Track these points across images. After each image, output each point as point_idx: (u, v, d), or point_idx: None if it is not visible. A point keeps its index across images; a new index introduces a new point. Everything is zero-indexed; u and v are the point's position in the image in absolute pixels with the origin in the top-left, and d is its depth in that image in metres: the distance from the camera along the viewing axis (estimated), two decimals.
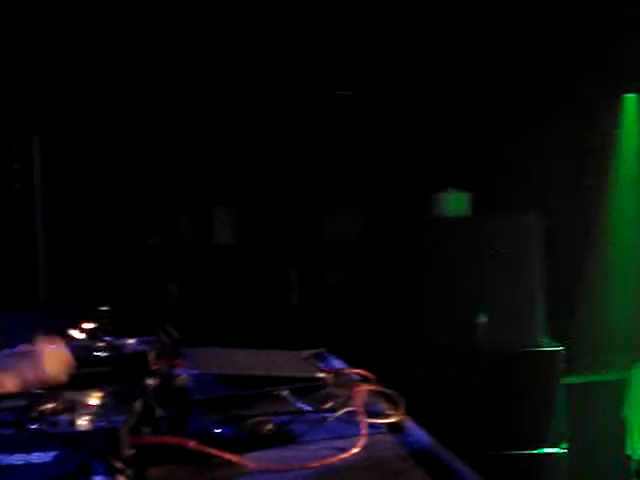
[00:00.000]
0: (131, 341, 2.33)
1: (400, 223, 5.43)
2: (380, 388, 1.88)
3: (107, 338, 2.36)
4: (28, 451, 1.24)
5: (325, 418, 1.61)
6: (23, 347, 2.28)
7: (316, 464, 1.40)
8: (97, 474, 1.23)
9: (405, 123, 5.37)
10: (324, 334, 2.60)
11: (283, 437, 1.54)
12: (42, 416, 1.33)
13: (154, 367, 2.14)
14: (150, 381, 1.93)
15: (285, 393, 1.72)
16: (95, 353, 2.19)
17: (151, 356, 2.16)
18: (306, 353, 2.52)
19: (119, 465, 1.17)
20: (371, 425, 1.59)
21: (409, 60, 5.20)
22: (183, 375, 2.15)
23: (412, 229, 5.32)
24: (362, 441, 1.51)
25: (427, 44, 5.09)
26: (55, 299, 3.05)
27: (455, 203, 5.31)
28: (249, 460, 1.40)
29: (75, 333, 2.29)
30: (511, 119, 5.28)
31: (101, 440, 1.23)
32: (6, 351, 2.31)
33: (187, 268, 5.78)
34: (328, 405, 1.67)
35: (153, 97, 4.84)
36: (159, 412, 1.58)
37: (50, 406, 1.37)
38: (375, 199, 5.54)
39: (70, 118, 4.34)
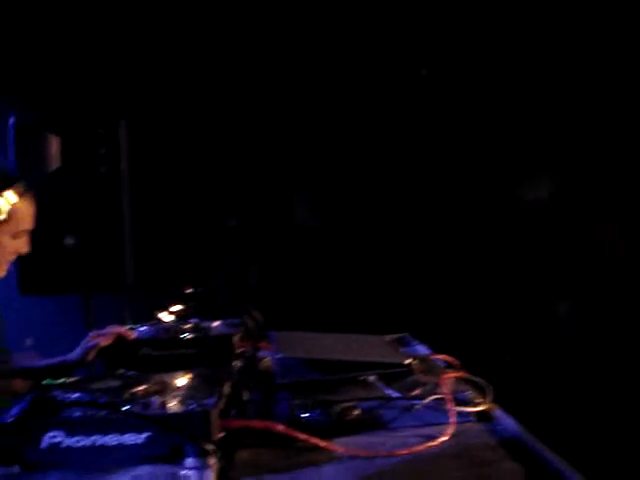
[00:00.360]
0: (216, 323, 2.37)
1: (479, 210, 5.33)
2: (467, 375, 1.85)
3: (193, 320, 2.40)
4: (122, 432, 1.26)
5: (413, 405, 1.59)
6: (110, 328, 2.34)
7: (404, 451, 1.39)
8: (188, 456, 1.24)
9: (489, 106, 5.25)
10: (405, 318, 2.58)
11: (371, 423, 1.53)
12: (134, 398, 1.36)
13: (239, 350, 2.16)
14: (235, 363, 1.96)
15: (372, 379, 1.71)
16: (181, 335, 2.23)
17: (236, 339, 2.19)
18: (389, 337, 2.52)
19: (211, 448, 1.17)
20: (459, 413, 1.56)
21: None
22: (268, 358, 2.17)
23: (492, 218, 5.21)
24: (450, 429, 1.49)
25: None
26: (141, 282, 3.10)
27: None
28: (337, 445, 1.40)
29: (164, 315, 2.33)
30: None
31: (192, 423, 1.24)
32: (93, 332, 2.38)
33: (267, 250, 5.81)
34: (416, 392, 1.65)
35: (237, 80, 4.86)
36: (246, 396, 1.59)
37: (142, 388, 1.39)
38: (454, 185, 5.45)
39: (155, 102, 4.40)
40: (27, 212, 2.18)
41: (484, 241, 5.17)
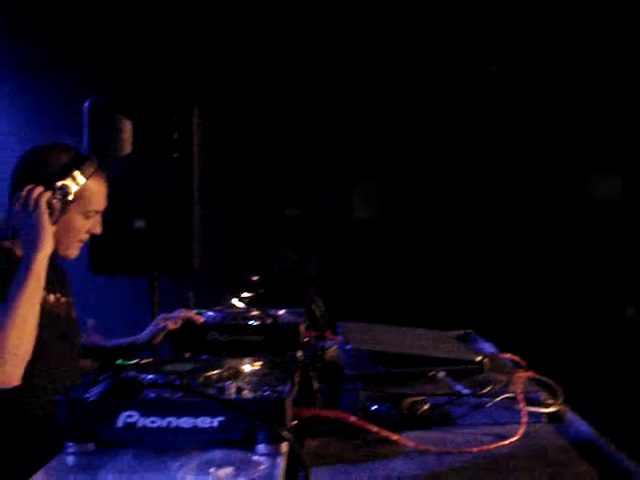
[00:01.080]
0: (281, 312, 2.38)
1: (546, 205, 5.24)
2: (537, 375, 1.83)
3: (259, 307, 2.41)
4: (196, 415, 1.27)
5: (483, 403, 1.58)
6: (178, 312, 2.37)
7: (475, 449, 1.38)
8: (260, 442, 1.25)
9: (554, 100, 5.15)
10: (468, 314, 2.56)
11: (440, 419, 1.52)
12: (209, 382, 1.37)
13: (304, 338, 2.17)
14: (300, 352, 1.96)
15: (441, 375, 1.70)
16: (248, 322, 2.25)
17: (302, 327, 2.20)
18: (453, 333, 2.50)
19: (286, 434, 1.18)
20: (531, 413, 1.54)
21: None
22: (334, 348, 2.17)
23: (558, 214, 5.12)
24: (522, 429, 1.47)
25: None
26: (206, 267, 3.14)
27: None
28: (406, 439, 1.39)
29: (235, 301, 2.35)
30: None
31: (266, 409, 1.25)
32: (161, 315, 2.41)
33: (327, 240, 5.81)
34: (486, 390, 1.63)
35: (302, 71, 4.87)
36: (316, 385, 1.59)
37: (215, 372, 1.40)
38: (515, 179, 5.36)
39: (226, 89, 4.44)
40: (97, 192, 2.19)
41: (551, 239, 5.09)
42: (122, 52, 4.34)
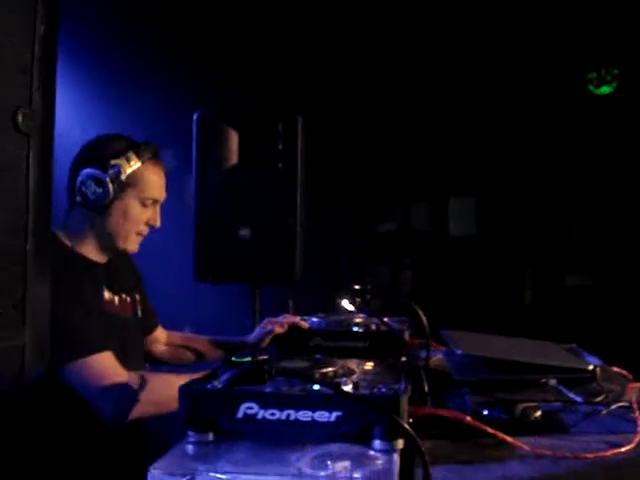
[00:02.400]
0: (385, 319, 2.39)
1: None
2: None
3: (362, 315, 2.44)
4: (314, 409, 1.29)
5: (596, 411, 1.55)
6: (284, 317, 2.42)
7: (591, 455, 1.36)
8: (377, 438, 1.26)
9: None
10: (556, 335, 2.51)
11: (553, 425, 1.51)
12: (324, 378, 1.39)
13: (408, 346, 2.18)
14: (405, 359, 1.97)
15: (553, 382, 1.68)
16: (351, 328, 2.27)
17: (406, 335, 2.21)
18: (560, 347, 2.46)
19: (406, 428, 1.19)
20: None
21: None
22: (439, 357, 2.17)
23: None
24: (638, 438, 1.44)
25: None
26: (306, 276, 3.19)
27: None
28: (521, 443, 1.39)
29: (346, 304, 2.38)
30: None
31: (383, 406, 1.27)
32: (267, 319, 2.46)
33: (420, 257, 5.80)
34: (600, 398, 1.61)
35: (402, 87, 4.90)
36: (426, 388, 1.60)
37: (331, 369, 1.43)
38: (622, 199, 5.24)
39: (328, 99, 4.51)
40: (154, 179, 2.19)
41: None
42: (228, 63, 4.46)
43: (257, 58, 4.52)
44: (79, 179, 2.10)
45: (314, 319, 2.40)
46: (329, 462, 1.22)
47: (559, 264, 5.36)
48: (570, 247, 5.32)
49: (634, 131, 4.95)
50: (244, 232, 3.06)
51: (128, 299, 2.30)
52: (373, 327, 2.28)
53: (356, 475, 1.15)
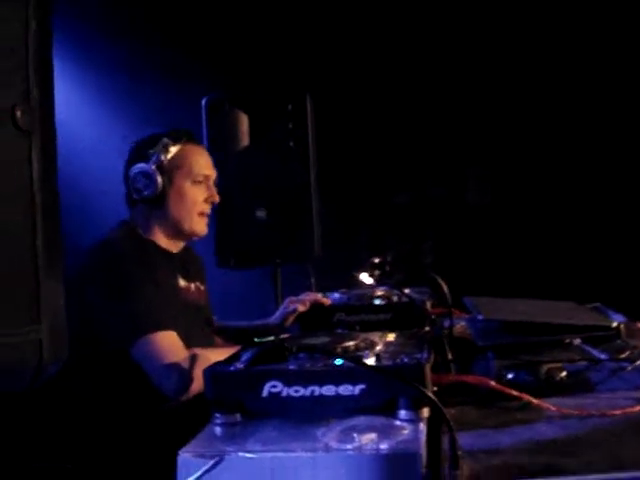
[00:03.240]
0: (407, 290, 2.40)
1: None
2: None
3: (383, 287, 2.44)
4: (337, 384, 1.30)
5: (622, 368, 1.55)
6: (305, 295, 2.43)
7: (618, 412, 1.36)
8: (402, 408, 1.27)
9: None
10: (581, 295, 2.49)
11: (578, 385, 1.50)
12: (347, 352, 1.40)
13: (431, 315, 2.18)
14: (429, 328, 1.97)
15: (577, 342, 1.68)
16: (373, 301, 2.28)
17: (429, 304, 2.21)
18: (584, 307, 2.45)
19: (431, 395, 1.20)
20: None
21: None
22: (462, 324, 2.17)
23: None
24: None
25: None
26: (325, 253, 3.19)
27: None
28: (547, 404, 1.38)
29: (364, 277, 2.38)
30: None
31: (407, 375, 1.27)
32: (288, 299, 2.47)
33: (438, 228, 5.77)
34: (625, 355, 1.60)
35: (414, 55, 4.85)
36: (450, 356, 1.60)
37: (352, 343, 1.43)
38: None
39: (338, 78, 4.49)
40: (198, 157, 2.26)
41: None
42: (234, 47, 4.44)
43: (263, 39, 4.50)
44: (130, 179, 2.19)
45: (336, 295, 2.42)
46: (355, 435, 1.23)
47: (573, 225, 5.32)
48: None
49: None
50: (261, 214, 3.08)
51: (202, 287, 2.36)
52: (395, 299, 2.29)
53: (383, 446, 1.16)
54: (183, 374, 1.91)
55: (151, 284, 2.07)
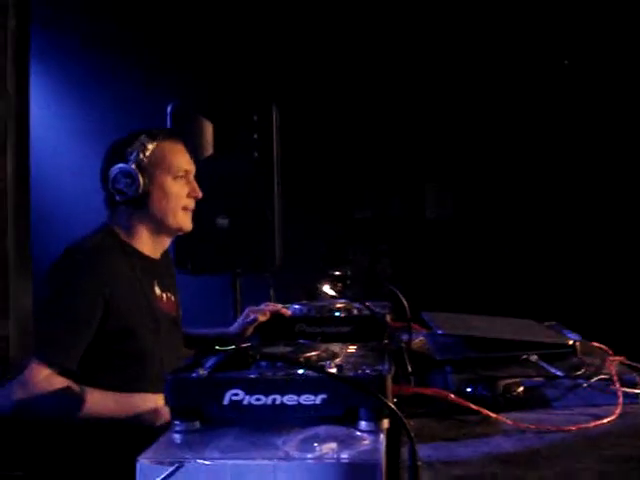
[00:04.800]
0: (368, 303, 2.40)
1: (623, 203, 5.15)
2: (628, 361, 1.82)
3: (343, 300, 2.45)
4: (299, 393, 1.30)
5: (578, 384, 1.58)
6: (265, 305, 2.43)
7: (573, 428, 1.38)
8: (362, 419, 1.28)
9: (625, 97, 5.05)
10: (537, 314, 2.54)
11: (534, 400, 1.53)
12: (309, 362, 1.40)
13: (391, 329, 2.20)
14: (387, 342, 1.98)
15: (534, 358, 1.70)
16: (336, 314, 2.29)
17: (388, 318, 2.23)
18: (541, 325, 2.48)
19: (392, 406, 1.20)
20: (626, 394, 1.54)
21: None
22: (421, 339, 2.19)
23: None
24: (618, 409, 1.46)
25: None
26: (286, 264, 3.20)
27: None
28: (505, 418, 1.40)
29: (327, 288, 2.39)
30: None
31: (367, 387, 1.28)
32: (248, 309, 2.47)
33: (398, 242, 5.81)
34: (580, 372, 1.63)
35: (377, 75, 4.90)
36: (410, 368, 1.62)
37: (314, 354, 1.44)
38: (599, 174, 5.27)
39: (302, 91, 4.51)
40: (177, 153, 2.24)
41: (624, 231, 5.00)
42: (201, 55, 4.44)
43: (231, 49, 4.51)
44: (110, 180, 2.15)
45: (296, 306, 2.41)
46: (316, 444, 1.23)
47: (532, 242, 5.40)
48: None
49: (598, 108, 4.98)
50: (222, 221, 3.07)
51: (172, 298, 2.33)
52: (355, 312, 2.29)
53: (343, 456, 1.17)
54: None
55: (82, 306, 2.01)
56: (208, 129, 3.15)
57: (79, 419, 1.92)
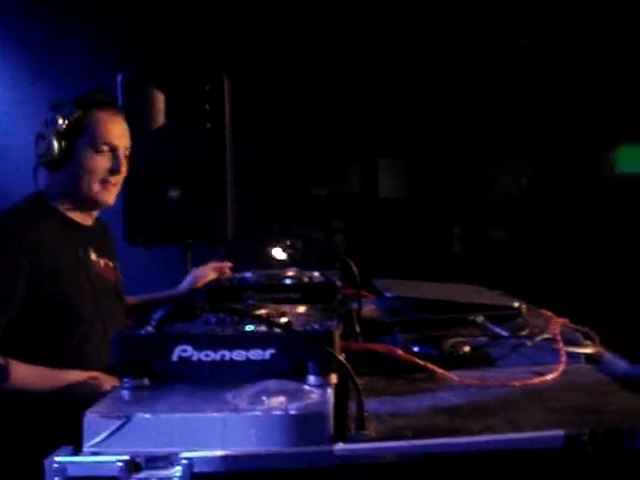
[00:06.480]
0: (316, 272, 2.42)
1: (570, 179, 5.25)
2: (572, 324, 1.86)
3: (293, 268, 2.46)
4: (247, 349, 1.31)
5: (522, 344, 1.61)
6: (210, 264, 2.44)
7: (516, 383, 1.41)
8: (311, 373, 1.29)
9: (576, 76, 5.13)
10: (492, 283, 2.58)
11: (481, 359, 1.56)
12: (257, 316, 1.41)
13: (341, 296, 2.21)
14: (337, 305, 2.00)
15: (481, 319, 1.73)
16: (286, 280, 2.29)
17: (338, 285, 2.24)
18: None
19: (340, 358, 1.22)
20: (569, 354, 1.57)
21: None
22: (371, 306, 2.21)
23: (584, 186, 5.14)
24: (561, 367, 1.50)
25: None
26: (238, 236, 3.19)
27: (631, 159, 5.09)
28: (451, 375, 1.43)
29: (277, 252, 2.39)
30: None
31: (315, 341, 1.29)
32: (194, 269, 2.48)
33: (353, 219, 5.84)
34: (525, 332, 1.67)
35: (331, 49, 4.89)
36: (358, 328, 1.64)
37: (264, 311, 1.44)
38: (545, 154, 5.37)
39: (256, 61, 4.49)
40: (105, 125, 2.16)
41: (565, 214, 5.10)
42: (152, 24, 4.39)
43: (182, 18, 4.46)
44: (38, 142, 2.12)
45: (246, 274, 2.42)
46: (264, 398, 1.24)
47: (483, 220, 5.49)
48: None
49: (557, 85, 5.05)
50: (173, 193, 3.05)
51: (111, 264, 2.30)
52: (305, 279, 2.30)
53: (291, 409, 1.18)
54: None
55: (2, 276, 2.01)
56: (159, 99, 3.12)
57: (5, 392, 1.91)
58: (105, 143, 2.16)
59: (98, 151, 2.15)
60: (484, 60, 5.10)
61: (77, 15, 4.31)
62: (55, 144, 2.08)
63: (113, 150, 2.18)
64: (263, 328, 1.33)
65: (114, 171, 2.18)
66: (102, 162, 2.16)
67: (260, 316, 1.34)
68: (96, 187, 2.16)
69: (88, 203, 2.20)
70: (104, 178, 2.17)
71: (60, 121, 2.09)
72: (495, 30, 5.06)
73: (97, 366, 2.01)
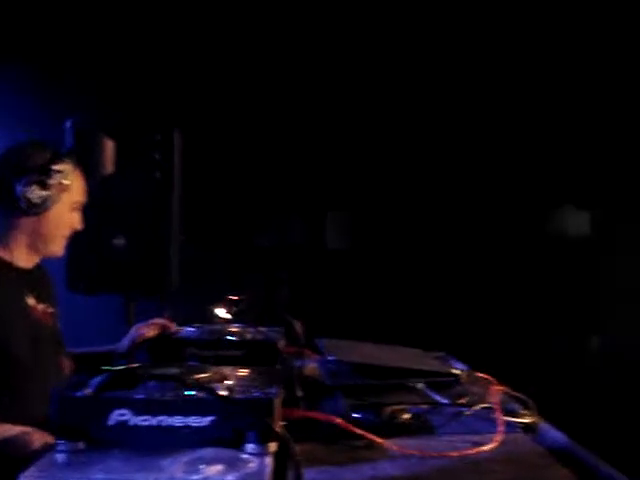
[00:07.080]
0: (261, 329, 2.41)
1: (514, 239, 5.33)
2: (511, 391, 1.88)
3: (237, 325, 2.45)
4: (186, 414, 1.29)
5: (461, 412, 1.62)
6: (153, 320, 2.42)
7: (455, 454, 1.42)
8: (250, 442, 1.28)
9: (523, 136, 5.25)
10: (435, 341, 2.61)
11: (420, 427, 1.57)
12: (198, 383, 1.39)
13: (284, 355, 2.21)
14: (280, 367, 1.99)
15: (420, 386, 1.75)
16: (229, 337, 2.28)
17: (281, 343, 2.23)
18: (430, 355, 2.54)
19: (280, 431, 1.21)
20: (507, 423, 1.59)
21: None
22: (313, 365, 2.21)
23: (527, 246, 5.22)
24: (499, 437, 1.52)
25: None
26: (183, 288, 3.17)
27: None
28: (390, 444, 1.43)
29: (221, 312, 2.38)
30: None
31: (256, 409, 1.28)
32: (136, 325, 2.45)
33: (297, 270, 5.83)
34: (464, 400, 1.68)
35: (279, 103, 4.94)
36: (299, 392, 1.63)
37: (204, 376, 1.43)
38: (487, 212, 5.45)
39: (206, 112, 4.51)
40: (80, 184, 2.23)
41: (516, 267, 5.17)
42: (104, 72, 4.38)
43: (134, 66, 4.47)
44: (20, 185, 2.09)
45: (189, 329, 2.40)
46: (201, 466, 1.22)
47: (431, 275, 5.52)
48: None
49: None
50: (119, 241, 3.02)
51: (49, 310, 2.26)
52: (248, 336, 2.29)
53: (228, 478, 1.16)
54: None
55: None
56: (109, 146, 3.11)
57: None
58: (79, 201, 2.24)
59: (73, 209, 2.22)
60: (427, 116, 5.18)
61: (26, 57, 4.29)
62: (54, 196, 2.09)
63: (79, 207, 2.26)
64: (202, 394, 1.32)
65: (76, 228, 2.25)
66: (73, 219, 2.23)
67: (200, 383, 1.33)
68: (61, 242, 2.21)
69: (43, 253, 2.20)
70: (67, 234, 2.24)
71: (63, 176, 2.11)
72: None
73: (36, 413, 1.97)
